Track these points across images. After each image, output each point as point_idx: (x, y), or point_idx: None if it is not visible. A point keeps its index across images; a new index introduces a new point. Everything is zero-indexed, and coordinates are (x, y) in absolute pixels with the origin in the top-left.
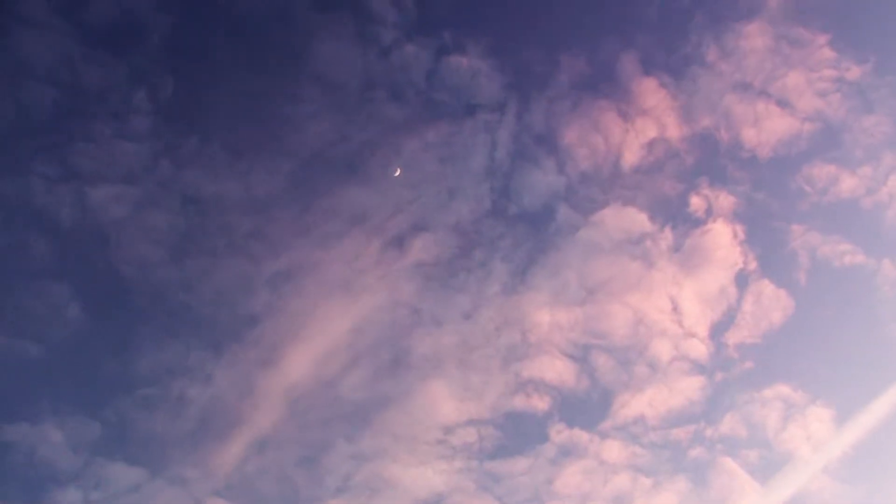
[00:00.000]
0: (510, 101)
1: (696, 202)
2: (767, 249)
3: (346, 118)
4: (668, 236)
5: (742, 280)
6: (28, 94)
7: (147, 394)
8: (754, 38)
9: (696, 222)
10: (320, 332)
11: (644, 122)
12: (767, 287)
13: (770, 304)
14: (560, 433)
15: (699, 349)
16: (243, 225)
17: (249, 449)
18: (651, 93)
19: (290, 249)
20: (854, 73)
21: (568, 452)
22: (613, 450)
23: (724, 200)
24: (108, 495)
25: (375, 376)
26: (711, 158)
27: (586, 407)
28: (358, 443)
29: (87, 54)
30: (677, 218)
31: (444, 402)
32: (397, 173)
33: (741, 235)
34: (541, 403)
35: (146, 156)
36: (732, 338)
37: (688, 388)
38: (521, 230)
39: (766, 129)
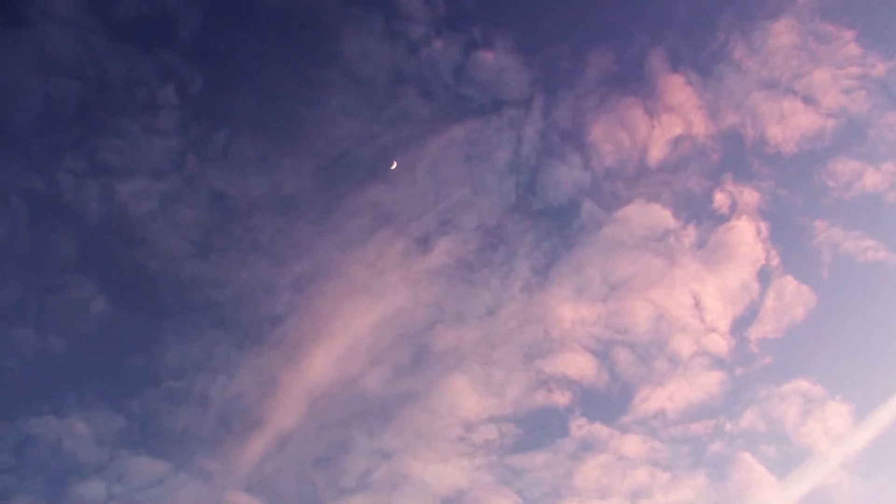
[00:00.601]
0: (537, 96)
1: (720, 199)
2: (791, 245)
3: (373, 114)
4: (691, 233)
5: (765, 276)
6: (56, 90)
7: (171, 388)
8: (782, 35)
9: (720, 219)
10: (344, 329)
11: (670, 119)
12: (790, 283)
13: (792, 299)
14: (581, 428)
15: (720, 344)
16: (269, 222)
17: (272, 444)
18: (677, 90)
19: (315, 247)
20: (879, 69)
21: (588, 447)
22: (633, 444)
23: (749, 197)
24: (130, 488)
25: (398, 373)
26: (736, 155)
27: (607, 401)
28: (379, 439)
29: (115, 49)
30: (701, 214)
31: (465, 399)
32: (394, 166)
33: (765, 232)
34: (562, 398)
35: (174, 151)
36: (754, 333)
37: (708, 383)
38: (545, 226)
39: (790, 125)
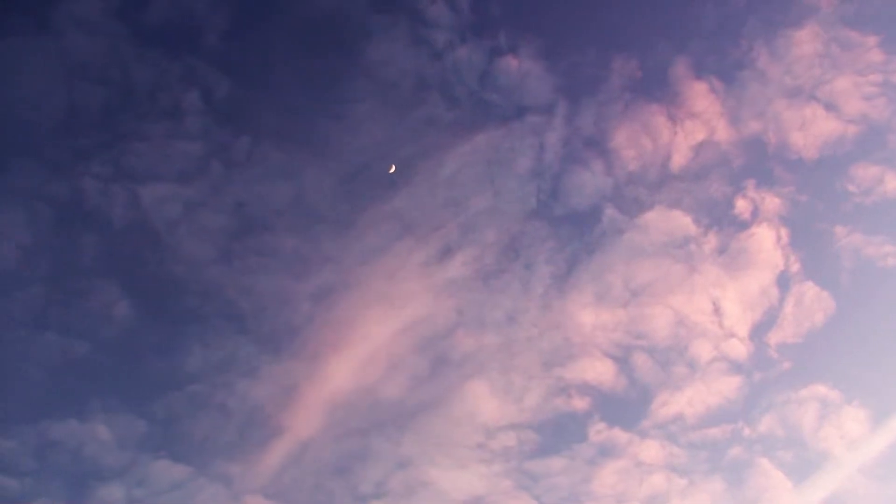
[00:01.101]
0: (560, 102)
1: (741, 205)
2: (811, 251)
3: (397, 120)
4: (712, 239)
5: (784, 281)
6: (81, 95)
7: (193, 393)
8: (805, 42)
9: (741, 225)
10: (364, 336)
11: (693, 126)
12: (810, 288)
13: (812, 304)
14: (599, 433)
15: (739, 349)
16: (292, 229)
17: (291, 450)
18: (700, 97)
19: (336, 254)
20: None
21: (605, 452)
22: (651, 449)
23: (770, 203)
24: (150, 492)
25: (417, 381)
26: (758, 161)
27: (626, 406)
28: (398, 446)
29: (140, 54)
30: (722, 221)
31: (485, 406)
32: (392, 170)
33: (785, 238)
34: (581, 403)
35: (198, 156)
36: (773, 338)
37: (727, 388)
38: (566, 232)
39: (812, 132)
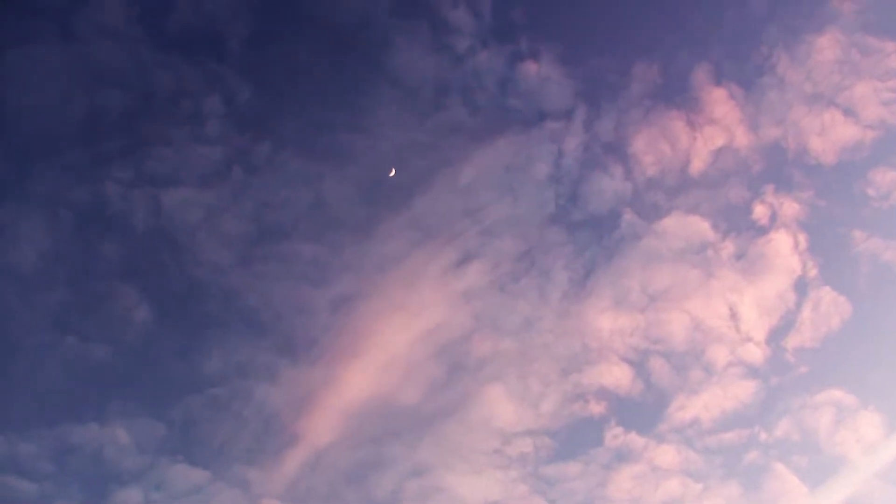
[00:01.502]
0: (579, 108)
1: (759, 210)
2: (829, 256)
3: (418, 125)
4: (729, 245)
5: (802, 286)
6: (102, 100)
7: (212, 397)
8: (825, 49)
9: (760, 230)
10: (382, 342)
11: (712, 131)
12: (827, 293)
13: (829, 309)
14: (616, 438)
15: (755, 354)
16: (312, 234)
17: (309, 455)
18: (721, 103)
19: (356, 257)
20: None
21: (622, 457)
22: (667, 454)
23: (789, 208)
24: (168, 495)
25: (435, 387)
26: (777, 167)
27: (642, 411)
28: (415, 452)
29: (162, 60)
30: (741, 226)
31: (501, 412)
32: (392, 173)
33: (803, 243)
34: (598, 408)
35: (219, 161)
36: (790, 343)
37: (743, 393)
38: (584, 237)
39: (830, 137)
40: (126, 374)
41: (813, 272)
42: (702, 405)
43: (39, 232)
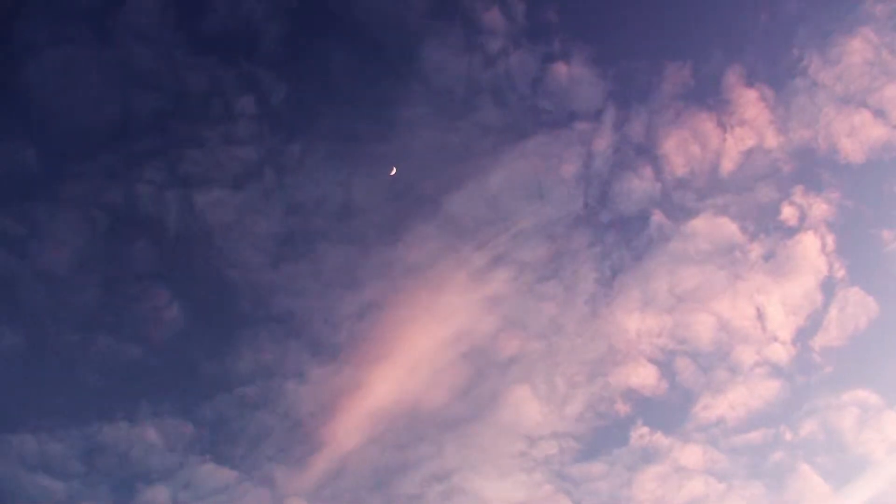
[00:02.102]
0: (610, 108)
1: (788, 211)
2: (858, 256)
3: (449, 125)
4: (757, 247)
5: (830, 286)
6: (136, 101)
7: (241, 396)
8: (857, 51)
9: (788, 232)
10: (411, 343)
11: (743, 133)
12: (855, 293)
13: (856, 309)
14: (642, 437)
15: (781, 353)
16: (343, 233)
17: (336, 455)
18: (752, 104)
19: (386, 258)
20: None
21: (647, 457)
22: (692, 454)
23: (818, 209)
24: (196, 495)
25: (463, 390)
26: (807, 167)
27: (668, 410)
28: (442, 455)
29: (195, 61)
30: (769, 228)
31: (527, 414)
32: (393, 172)
33: (832, 244)
34: (624, 408)
35: (251, 161)
36: (816, 342)
37: (768, 392)
38: (613, 238)
39: (860, 138)
40: (157, 373)
41: (841, 273)
42: (727, 405)
43: (73, 233)
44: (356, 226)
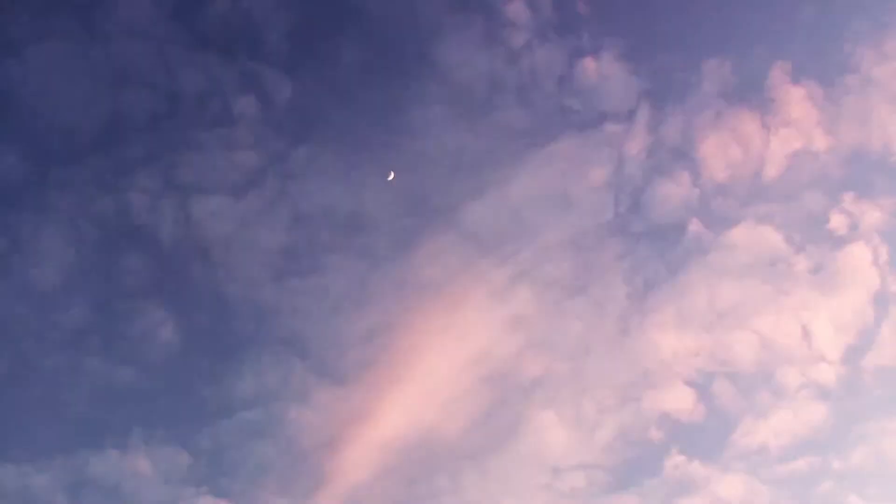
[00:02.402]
0: (643, 108)
1: (837, 220)
2: None
3: (468, 126)
4: (803, 259)
5: (882, 302)
6: (127, 101)
7: (242, 423)
8: None
9: (837, 242)
10: (426, 365)
11: (788, 134)
12: None
13: None
14: (677, 467)
15: (828, 374)
16: (353, 245)
17: (345, 488)
18: (798, 103)
19: (401, 273)
20: None
21: (683, 488)
22: (732, 485)
23: (870, 217)
24: None
25: (481, 417)
26: (859, 172)
27: (706, 437)
28: (459, 487)
29: (192, 58)
30: (817, 238)
31: (552, 443)
32: (391, 177)
33: (885, 255)
34: (657, 434)
35: (252, 168)
36: (868, 362)
37: (815, 417)
38: (646, 249)
39: None
40: (150, 397)
41: (894, 287)
42: (770, 431)
43: (59, 245)
44: (366, 238)
